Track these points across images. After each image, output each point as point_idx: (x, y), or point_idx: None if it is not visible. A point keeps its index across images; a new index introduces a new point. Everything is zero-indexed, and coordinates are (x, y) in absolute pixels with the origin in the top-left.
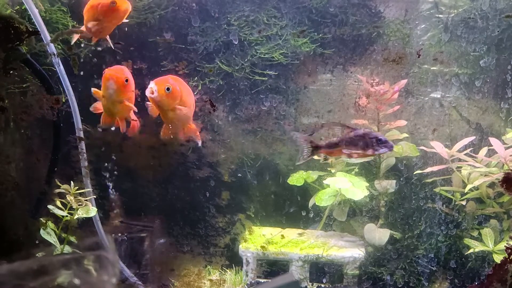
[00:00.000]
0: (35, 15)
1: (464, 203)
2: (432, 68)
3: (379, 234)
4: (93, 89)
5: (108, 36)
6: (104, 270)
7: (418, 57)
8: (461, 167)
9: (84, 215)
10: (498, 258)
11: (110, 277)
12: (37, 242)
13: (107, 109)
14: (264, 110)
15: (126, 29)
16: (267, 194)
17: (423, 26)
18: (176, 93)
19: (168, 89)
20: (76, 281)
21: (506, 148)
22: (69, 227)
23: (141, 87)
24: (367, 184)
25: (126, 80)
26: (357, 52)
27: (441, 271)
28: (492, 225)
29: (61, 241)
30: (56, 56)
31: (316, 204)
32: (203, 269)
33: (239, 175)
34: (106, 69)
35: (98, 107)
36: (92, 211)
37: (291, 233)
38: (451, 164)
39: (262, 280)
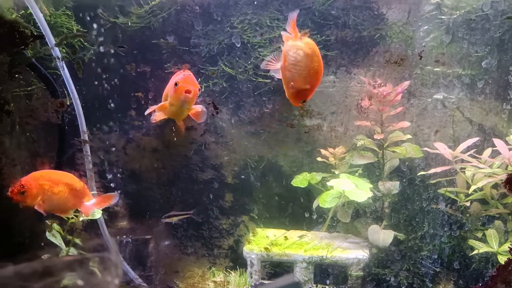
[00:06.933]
0: (40, 19)
1: (468, 204)
2: (435, 70)
3: (383, 236)
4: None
5: None
6: (107, 271)
7: (420, 58)
8: (465, 168)
9: (89, 218)
10: (502, 259)
11: (113, 278)
12: (42, 244)
13: (174, 115)
14: (267, 112)
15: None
16: (271, 195)
17: (426, 27)
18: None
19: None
20: (80, 283)
21: (510, 149)
22: (74, 229)
23: (145, 89)
24: (371, 186)
25: (199, 89)
26: (360, 54)
27: (445, 272)
28: (497, 226)
29: (67, 243)
30: (60, 59)
31: (320, 205)
32: (207, 270)
33: (243, 177)
34: (178, 80)
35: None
36: (97, 213)
37: (295, 234)
38: (455, 165)
39: (266, 282)
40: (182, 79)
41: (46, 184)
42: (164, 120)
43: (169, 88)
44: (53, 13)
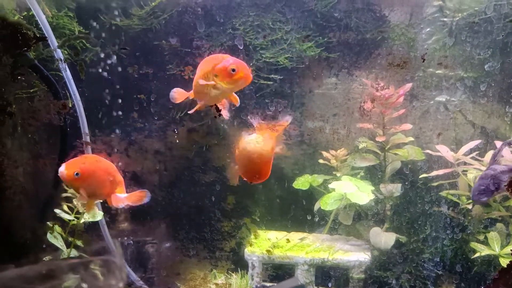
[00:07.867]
0: (42, 21)
1: (470, 206)
2: (437, 72)
3: (384, 238)
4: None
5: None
6: (111, 274)
7: (423, 61)
8: (467, 170)
9: (91, 219)
10: (504, 262)
11: (117, 282)
12: (44, 246)
13: (214, 100)
14: (269, 115)
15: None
16: (273, 198)
17: (428, 30)
18: None
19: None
20: (84, 285)
21: None
22: (76, 231)
23: (147, 91)
24: (373, 188)
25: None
26: (362, 56)
27: (447, 275)
28: (498, 228)
29: (68, 245)
30: (63, 61)
31: (322, 208)
32: (209, 273)
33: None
34: (233, 66)
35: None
36: (98, 215)
37: (297, 237)
38: (457, 167)
39: (268, 284)
40: (237, 65)
41: (97, 170)
42: (166, 122)
43: (220, 73)
44: (55, 15)
